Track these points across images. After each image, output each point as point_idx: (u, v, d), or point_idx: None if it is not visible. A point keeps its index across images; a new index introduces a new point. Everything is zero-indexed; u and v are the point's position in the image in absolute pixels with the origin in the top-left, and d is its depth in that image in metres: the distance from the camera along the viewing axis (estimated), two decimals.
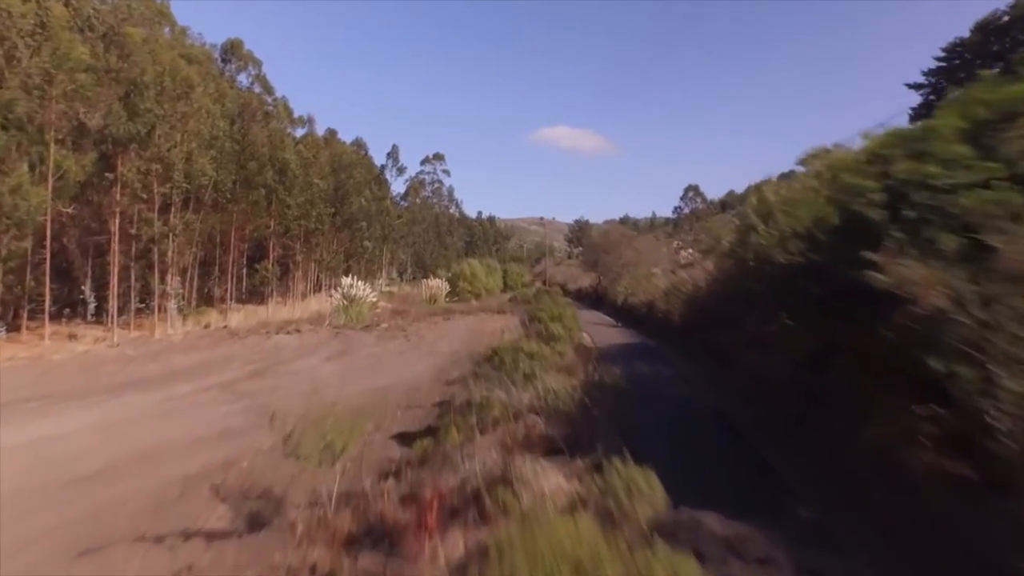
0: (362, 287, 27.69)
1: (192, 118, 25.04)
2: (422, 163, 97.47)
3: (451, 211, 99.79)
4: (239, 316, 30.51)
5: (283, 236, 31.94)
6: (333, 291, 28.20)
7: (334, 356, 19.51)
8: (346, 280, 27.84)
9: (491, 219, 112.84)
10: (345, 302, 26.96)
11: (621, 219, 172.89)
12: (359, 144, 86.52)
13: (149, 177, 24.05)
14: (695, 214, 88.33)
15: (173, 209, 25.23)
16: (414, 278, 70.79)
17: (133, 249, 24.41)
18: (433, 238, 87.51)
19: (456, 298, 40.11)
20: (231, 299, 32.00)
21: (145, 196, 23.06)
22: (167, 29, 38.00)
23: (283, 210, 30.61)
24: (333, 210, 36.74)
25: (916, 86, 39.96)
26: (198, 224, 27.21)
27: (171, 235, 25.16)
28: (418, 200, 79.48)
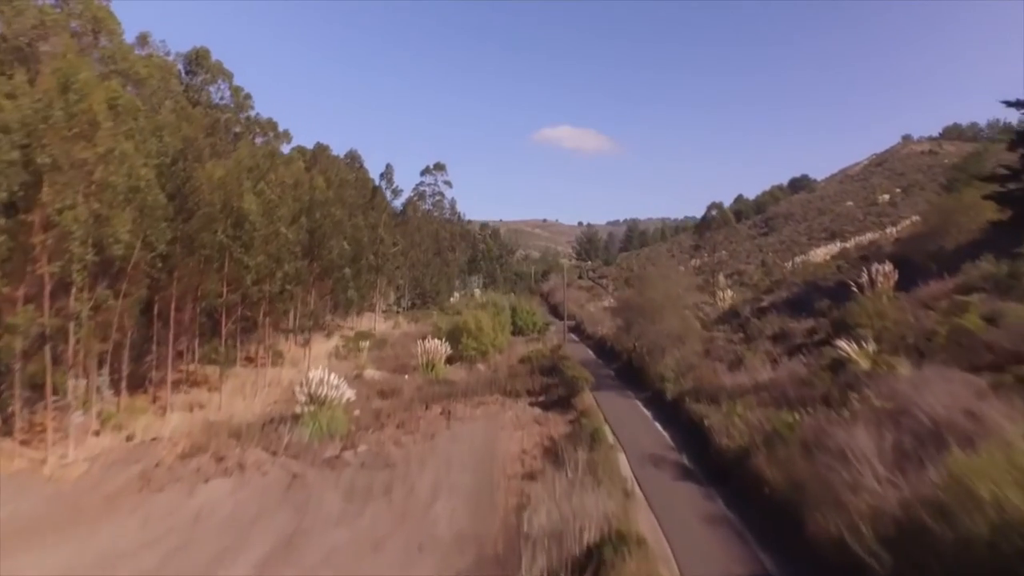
0: (335, 382, 20.67)
1: (99, 166, 17.96)
2: (422, 173, 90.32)
3: (453, 223, 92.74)
4: (180, 412, 23.51)
5: (241, 304, 24.91)
6: (300, 384, 21.16)
7: (275, 555, 12.52)
8: (315, 374, 20.82)
9: (495, 232, 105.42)
10: (312, 407, 19.93)
11: (628, 226, 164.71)
12: (353, 156, 79.29)
13: (35, 251, 17.07)
14: (709, 223, 79.81)
15: (75, 290, 18.19)
16: (413, 305, 63.75)
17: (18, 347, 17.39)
18: (433, 255, 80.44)
19: (460, 357, 33.08)
20: (171, 385, 25.03)
21: (6, 287, 16.05)
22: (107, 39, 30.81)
23: (240, 271, 23.58)
24: (309, 259, 29.71)
25: (1018, 104, 32.75)
26: (119, 303, 20.15)
27: (72, 325, 18.14)
28: (418, 214, 72.27)
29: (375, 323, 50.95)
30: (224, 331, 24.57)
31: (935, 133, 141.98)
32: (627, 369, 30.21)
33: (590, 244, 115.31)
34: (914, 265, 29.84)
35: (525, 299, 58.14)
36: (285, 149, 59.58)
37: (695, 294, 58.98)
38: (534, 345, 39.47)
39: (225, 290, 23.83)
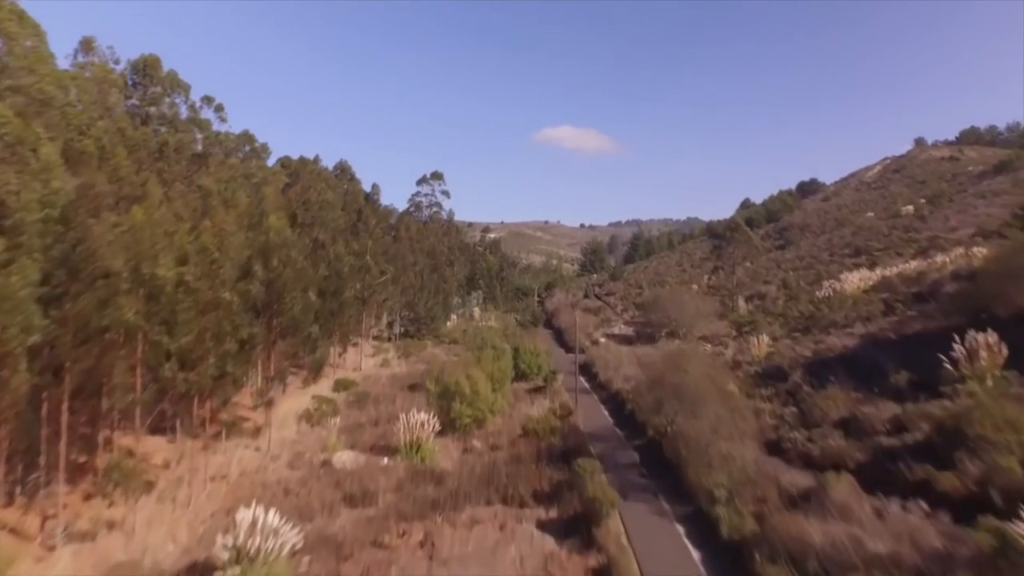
0: (275, 524, 14.87)
1: None
2: (419, 183, 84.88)
3: (451, 236, 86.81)
4: (76, 544, 17.65)
5: (163, 399, 19.03)
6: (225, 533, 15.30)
7: None
8: (246, 514, 15.02)
9: (495, 244, 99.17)
10: (239, 568, 14.10)
11: (633, 233, 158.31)
12: (343, 168, 73.37)
13: None
14: (727, 238, 73.31)
15: None
16: (406, 332, 57.88)
17: None
18: (430, 272, 74.56)
19: (452, 426, 27.32)
20: (91, 476, 19.18)
21: None
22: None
23: (158, 358, 17.71)
24: (268, 315, 23.90)
25: None
26: None
27: None
28: (411, 232, 66.33)
29: (361, 360, 45.11)
30: (140, 429, 18.72)
31: (951, 137, 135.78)
32: (656, 454, 24.26)
33: (595, 255, 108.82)
34: (1004, 325, 23.78)
35: (528, 334, 52.23)
36: (270, 162, 53.70)
37: (714, 321, 53.24)
38: (540, 402, 33.63)
39: (139, 382, 18.00)
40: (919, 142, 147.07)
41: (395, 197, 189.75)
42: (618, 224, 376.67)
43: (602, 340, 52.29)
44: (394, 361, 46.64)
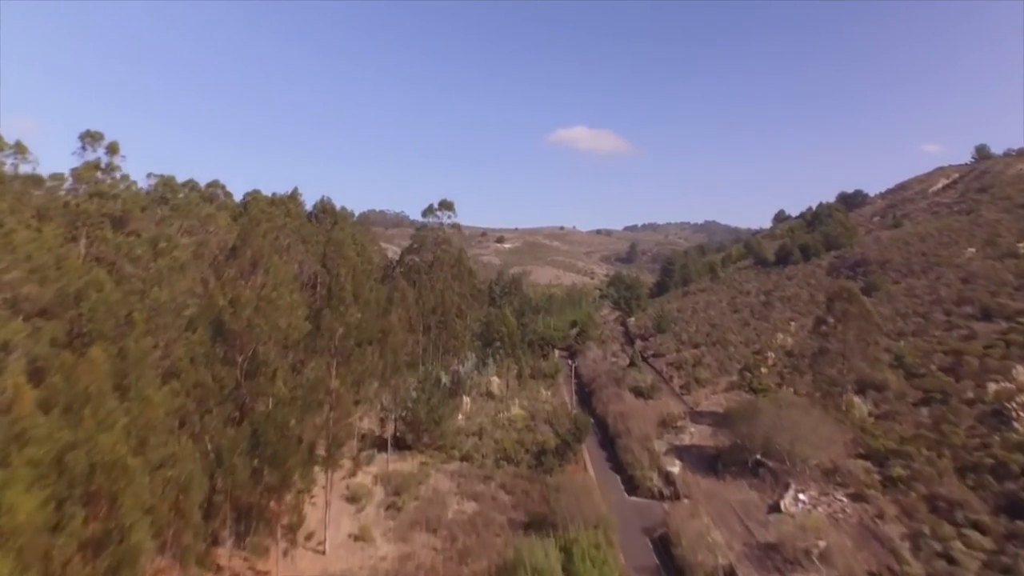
0: None
1: None
2: (424, 214, 68.64)
3: (462, 279, 70.47)
4: None
5: None
6: None
7: None
8: None
9: (515, 283, 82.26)
10: None
11: (667, 259, 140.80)
12: (325, 209, 57.10)
13: None
14: (832, 307, 54.79)
15: None
16: (400, 441, 41.58)
17: None
18: (435, 328, 58.40)
19: None
20: None
21: None
22: None
23: None
24: None
25: None
26: None
27: None
28: (409, 298, 50.02)
29: (327, 530, 29.02)
30: None
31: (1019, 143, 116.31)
32: None
33: (629, 291, 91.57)
34: None
35: (571, 453, 35.99)
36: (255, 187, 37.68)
37: (829, 436, 36.59)
38: None
39: None
40: (981, 150, 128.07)
41: (401, 203, 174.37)
42: (634, 228, 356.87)
43: (675, 469, 35.82)
44: (377, 526, 30.54)
